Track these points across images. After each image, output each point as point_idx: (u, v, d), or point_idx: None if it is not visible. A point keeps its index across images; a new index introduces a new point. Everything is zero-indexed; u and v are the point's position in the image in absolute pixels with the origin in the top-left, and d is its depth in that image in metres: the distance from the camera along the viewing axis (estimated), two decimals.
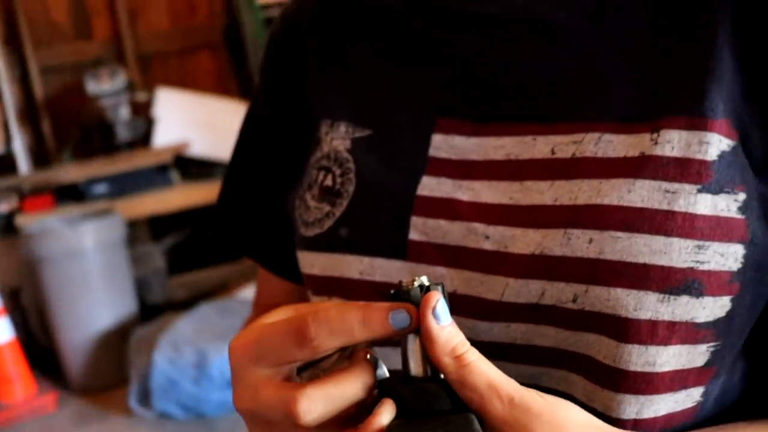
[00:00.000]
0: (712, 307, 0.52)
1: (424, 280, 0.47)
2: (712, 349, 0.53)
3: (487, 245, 0.57)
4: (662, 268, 0.51)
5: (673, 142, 0.54)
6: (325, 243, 0.64)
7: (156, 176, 4.13)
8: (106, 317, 3.67)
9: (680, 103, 0.54)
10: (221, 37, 4.74)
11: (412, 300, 0.46)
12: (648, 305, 0.51)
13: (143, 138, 4.45)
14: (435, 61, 0.64)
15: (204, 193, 4.10)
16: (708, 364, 0.54)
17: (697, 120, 0.53)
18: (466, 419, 0.45)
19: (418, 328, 0.46)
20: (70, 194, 4.08)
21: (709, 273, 0.52)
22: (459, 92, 0.62)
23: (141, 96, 4.49)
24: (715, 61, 0.54)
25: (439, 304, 0.46)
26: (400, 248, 0.60)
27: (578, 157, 0.56)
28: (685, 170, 0.53)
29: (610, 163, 0.55)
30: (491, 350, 0.56)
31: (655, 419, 0.53)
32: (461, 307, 0.57)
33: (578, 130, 0.57)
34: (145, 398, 3.21)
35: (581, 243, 0.53)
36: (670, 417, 0.54)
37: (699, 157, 0.53)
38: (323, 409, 0.46)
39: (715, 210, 0.52)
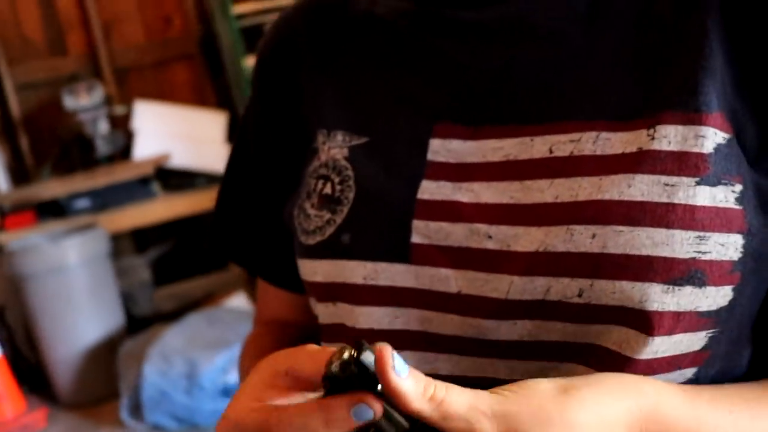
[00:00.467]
0: (715, 297, 0.54)
1: (348, 353, 0.46)
2: (710, 335, 0.55)
3: (490, 245, 0.58)
4: (665, 259, 0.53)
5: (669, 137, 0.55)
6: (328, 250, 0.64)
7: (137, 189, 4.12)
8: (94, 331, 3.66)
9: (675, 98, 0.56)
10: (197, 48, 4.73)
11: (366, 368, 0.45)
12: (653, 296, 0.53)
13: (123, 151, 4.43)
14: (429, 68, 0.65)
15: (186, 203, 4.09)
16: (704, 348, 0.56)
17: (692, 115, 0.55)
18: None
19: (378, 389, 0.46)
20: (52, 210, 4.05)
21: (711, 263, 0.53)
22: (455, 97, 0.63)
23: (119, 110, 4.47)
24: (707, 55, 0.55)
25: (395, 360, 0.45)
26: (404, 252, 0.61)
27: (577, 155, 0.57)
28: (683, 164, 0.54)
29: (609, 159, 0.56)
30: (499, 349, 0.58)
31: None
32: (467, 307, 0.58)
33: (575, 129, 0.58)
34: (136, 410, 3.20)
35: (584, 238, 0.55)
36: None
37: (696, 150, 0.54)
38: None
39: (714, 201, 0.54)
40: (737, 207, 0.54)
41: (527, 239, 0.57)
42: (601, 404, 0.49)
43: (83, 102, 4.21)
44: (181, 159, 4.30)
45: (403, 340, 0.61)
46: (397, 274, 0.61)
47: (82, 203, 4.03)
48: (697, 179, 0.54)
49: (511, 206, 0.58)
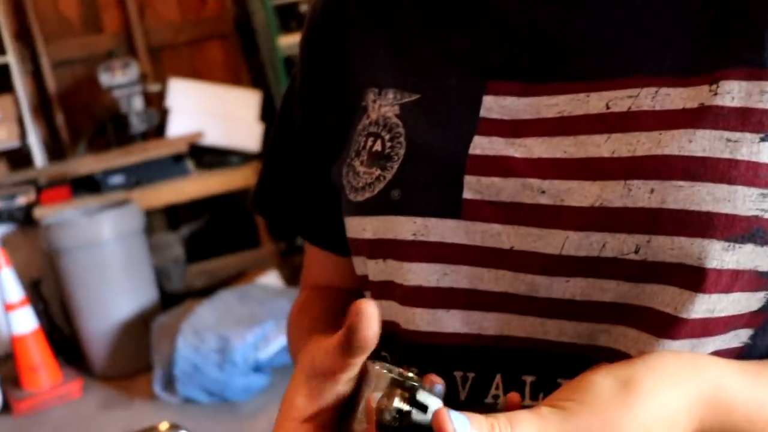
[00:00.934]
0: None
1: (399, 405, 0.45)
2: None
3: (544, 199, 0.57)
4: (726, 216, 0.52)
5: (733, 93, 0.54)
6: (377, 206, 0.64)
7: (171, 166, 4.15)
8: (127, 306, 3.70)
9: (739, 54, 0.55)
10: (231, 27, 4.75)
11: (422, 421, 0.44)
12: (713, 254, 0.52)
13: (157, 129, 4.46)
14: (482, 26, 0.64)
15: (219, 181, 4.12)
16: (762, 309, 0.55)
17: (757, 70, 0.54)
18: None
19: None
20: (87, 186, 4.11)
21: None
22: (508, 55, 0.62)
23: (153, 87, 4.50)
24: None
25: (454, 421, 0.44)
26: (454, 207, 0.60)
27: (635, 111, 0.56)
28: (747, 120, 0.53)
29: (669, 115, 0.55)
30: (549, 308, 0.57)
31: None
32: (520, 263, 0.57)
33: (634, 85, 0.57)
34: (169, 384, 3.24)
35: (642, 193, 0.53)
36: (715, 354, 0.55)
37: (760, 106, 0.53)
38: None
39: None
40: None
41: (581, 194, 0.56)
42: (663, 395, 0.48)
43: (118, 79, 4.25)
44: (215, 137, 4.33)
45: (450, 298, 0.60)
46: (447, 230, 0.60)
47: (117, 179, 4.07)
48: (762, 135, 0.53)
49: (565, 160, 0.57)
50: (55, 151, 4.62)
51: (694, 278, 0.52)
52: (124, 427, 2.85)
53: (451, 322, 0.60)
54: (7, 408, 3.50)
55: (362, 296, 0.71)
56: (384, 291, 0.65)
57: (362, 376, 0.53)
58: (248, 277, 4.04)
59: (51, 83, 4.58)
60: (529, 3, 0.62)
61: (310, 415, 0.53)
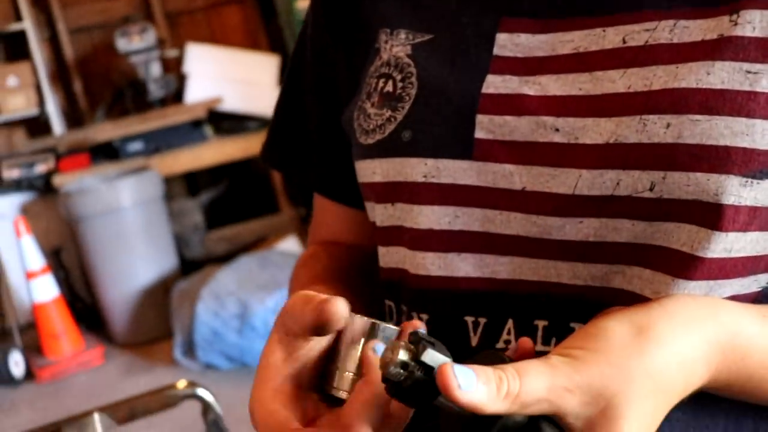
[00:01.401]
0: None
1: (402, 355, 0.42)
2: None
3: (558, 138, 0.55)
4: (744, 150, 0.50)
5: (754, 22, 0.52)
6: (387, 148, 0.62)
7: (190, 132, 4.14)
8: (148, 273, 3.72)
9: None
10: None
11: (430, 371, 0.42)
12: (730, 189, 0.50)
13: (175, 95, 4.45)
14: None
15: (238, 147, 4.11)
16: None
17: None
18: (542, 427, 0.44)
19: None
20: (106, 153, 4.11)
21: None
22: None
23: (171, 53, 4.49)
24: None
25: (458, 376, 0.41)
26: (467, 147, 0.58)
27: (652, 44, 0.54)
28: None
29: (687, 47, 0.53)
30: (562, 250, 0.55)
31: None
32: (531, 204, 0.56)
33: (651, 18, 0.55)
34: (189, 350, 3.26)
35: (658, 128, 0.52)
36: (733, 298, 0.53)
37: None
38: None
39: None
40: None
41: (596, 131, 0.54)
42: (678, 341, 0.46)
43: (136, 44, 4.23)
44: (233, 103, 4.31)
45: (461, 242, 0.59)
46: (458, 171, 0.59)
47: (135, 146, 4.07)
48: None
49: (579, 98, 0.56)
50: (74, 118, 4.62)
51: (711, 215, 0.51)
52: None
53: (463, 266, 0.59)
54: (30, 375, 3.55)
55: (372, 254, 0.69)
56: (392, 236, 0.64)
57: (338, 332, 0.51)
58: (268, 243, 4.04)
59: (68, 50, 4.57)
60: None
61: (286, 376, 0.51)
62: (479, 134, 0.58)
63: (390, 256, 0.64)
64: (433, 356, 0.42)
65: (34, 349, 3.64)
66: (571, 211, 0.54)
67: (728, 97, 0.51)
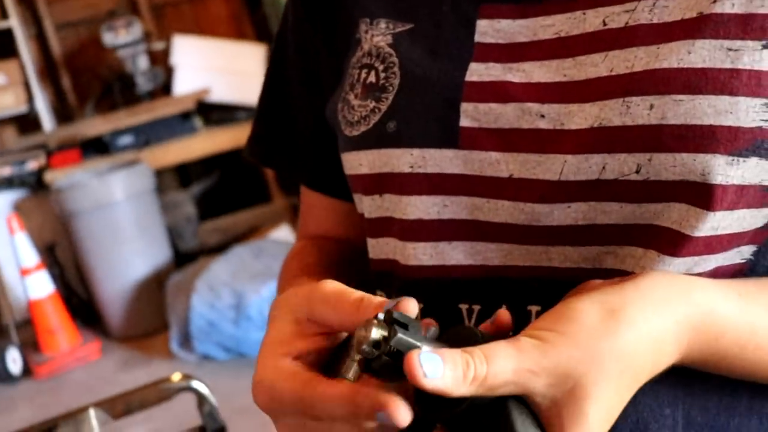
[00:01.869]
0: None
1: (375, 332, 0.43)
2: None
3: (543, 124, 0.55)
4: (729, 128, 0.50)
5: None
6: (373, 139, 0.62)
7: (179, 124, 4.13)
8: (142, 266, 3.72)
9: None
10: None
11: (400, 353, 0.42)
12: (717, 169, 0.50)
13: (163, 87, 4.44)
14: None
15: (228, 137, 4.10)
16: (766, 227, 0.53)
17: None
18: (510, 407, 0.45)
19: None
20: (96, 147, 4.10)
21: None
22: None
23: (158, 45, 4.47)
24: None
25: (424, 363, 0.42)
26: (452, 136, 0.58)
27: (632, 25, 0.54)
28: (748, 26, 0.51)
29: (667, 27, 0.53)
30: (552, 235, 0.55)
31: (700, 274, 0.53)
32: (518, 191, 0.56)
33: None
34: (186, 341, 3.26)
35: (641, 110, 0.52)
36: (716, 270, 0.53)
37: (762, 11, 0.51)
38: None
39: None
40: None
41: (581, 116, 0.54)
42: (649, 322, 0.47)
43: (122, 38, 4.21)
44: (222, 93, 4.29)
45: (451, 230, 0.59)
46: (445, 160, 0.58)
47: (126, 140, 4.06)
48: (764, 42, 0.50)
49: (564, 84, 0.55)
50: (63, 114, 4.61)
51: (700, 195, 0.51)
52: None
53: (455, 254, 0.59)
54: (28, 372, 3.54)
55: (362, 248, 0.69)
56: (381, 228, 0.64)
57: None
58: (261, 233, 4.04)
59: (55, 46, 4.55)
60: None
61: (299, 353, 0.51)
62: (464, 122, 0.58)
63: (380, 248, 0.64)
64: (400, 342, 0.43)
65: (31, 346, 3.64)
66: (558, 197, 0.54)
67: (710, 75, 0.51)
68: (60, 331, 3.57)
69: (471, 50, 0.60)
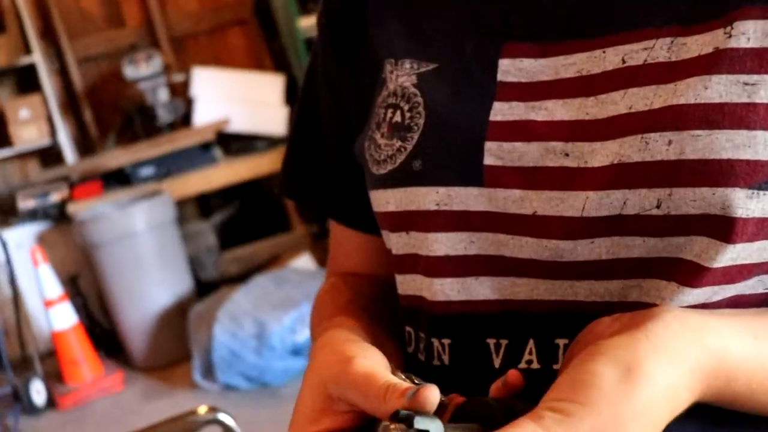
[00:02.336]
0: None
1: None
2: None
3: (567, 162, 0.56)
4: (748, 162, 0.50)
5: (748, 33, 0.52)
6: (399, 177, 0.63)
7: (200, 155, 4.17)
8: (164, 296, 3.74)
9: None
10: (251, 12, 4.74)
11: None
12: (737, 202, 0.50)
13: (183, 118, 4.48)
14: None
15: (248, 167, 4.13)
16: None
17: None
18: None
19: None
20: (118, 179, 4.14)
21: None
22: (521, 16, 0.61)
23: (177, 77, 4.52)
24: None
25: None
26: (476, 174, 0.59)
27: (651, 63, 0.55)
28: (764, 60, 0.51)
29: (684, 64, 0.54)
30: (577, 270, 0.56)
31: (720, 302, 0.53)
32: (542, 228, 0.56)
33: (649, 36, 0.56)
34: (208, 372, 3.27)
35: (660, 146, 0.52)
36: (738, 299, 0.54)
37: None
38: None
39: None
40: None
41: (603, 153, 0.55)
42: (665, 374, 0.47)
43: (143, 71, 4.26)
44: (241, 123, 4.33)
45: (477, 266, 0.60)
46: (470, 198, 0.59)
47: (147, 171, 4.10)
48: None
49: (586, 122, 0.56)
50: (85, 146, 4.66)
51: (721, 228, 0.51)
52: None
53: (481, 289, 0.59)
54: (52, 403, 3.56)
55: (391, 285, 0.70)
56: (408, 264, 0.65)
57: None
58: (281, 262, 4.06)
59: (77, 80, 4.62)
60: None
61: (326, 428, 0.54)
62: (488, 161, 0.59)
63: (407, 284, 0.65)
64: (425, 423, 0.44)
65: (54, 377, 3.66)
66: (580, 234, 0.55)
67: (727, 110, 0.51)
68: (83, 362, 3.59)
69: (494, 89, 0.61)
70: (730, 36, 0.53)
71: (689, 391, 0.48)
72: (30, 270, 3.70)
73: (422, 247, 0.62)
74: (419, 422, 0.44)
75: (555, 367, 0.56)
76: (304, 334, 3.15)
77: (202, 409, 1.20)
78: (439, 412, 0.47)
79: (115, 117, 4.66)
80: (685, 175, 0.51)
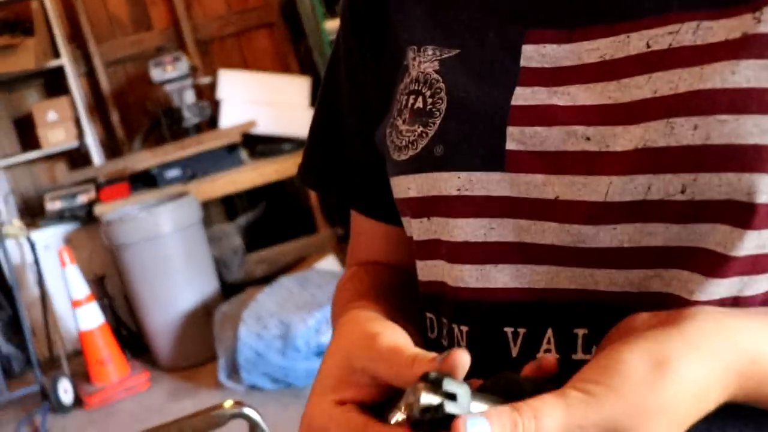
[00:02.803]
0: None
1: (430, 400, 0.43)
2: None
3: (589, 146, 0.55)
4: None
5: None
6: (421, 163, 0.63)
7: (226, 157, 4.19)
8: (189, 297, 3.76)
9: None
10: (277, 15, 4.76)
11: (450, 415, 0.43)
12: (763, 188, 0.49)
13: (210, 120, 4.51)
14: None
15: (274, 169, 4.14)
16: None
17: None
18: None
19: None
20: (144, 181, 4.17)
21: None
22: (547, 2, 0.61)
23: (204, 80, 4.55)
24: None
25: (470, 429, 0.42)
26: (498, 159, 0.59)
27: (676, 47, 0.54)
28: None
29: (710, 48, 0.53)
30: (598, 257, 0.55)
31: (755, 297, 0.52)
32: (565, 213, 0.56)
33: (674, 20, 0.55)
34: (234, 372, 3.28)
35: (685, 131, 0.51)
36: None
37: None
38: None
39: None
40: None
41: (627, 138, 0.54)
42: (695, 372, 0.47)
43: (169, 74, 4.29)
44: (267, 125, 4.35)
45: (498, 253, 0.59)
46: (491, 183, 0.59)
47: (173, 173, 4.12)
48: None
49: (609, 106, 0.56)
50: (112, 148, 4.71)
51: (744, 214, 0.50)
52: None
53: (501, 276, 0.59)
54: (79, 402, 3.59)
55: (412, 274, 0.69)
56: (429, 250, 0.64)
57: None
58: (307, 263, 4.06)
59: (104, 83, 4.66)
60: None
61: (348, 399, 0.53)
62: (510, 146, 0.58)
63: (428, 270, 0.65)
64: (454, 386, 0.44)
65: (81, 376, 3.70)
66: (603, 219, 0.54)
67: (755, 95, 0.50)
68: (110, 362, 3.62)
69: (517, 75, 0.60)
70: (759, 21, 0.52)
71: (720, 390, 0.48)
72: (57, 271, 3.74)
73: (443, 232, 0.62)
74: (448, 384, 0.44)
75: (573, 357, 0.56)
76: (328, 335, 3.14)
77: (228, 403, 1.20)
78: None
79: (141, 119, 4.69)
80: (711, 160, 0.51)
